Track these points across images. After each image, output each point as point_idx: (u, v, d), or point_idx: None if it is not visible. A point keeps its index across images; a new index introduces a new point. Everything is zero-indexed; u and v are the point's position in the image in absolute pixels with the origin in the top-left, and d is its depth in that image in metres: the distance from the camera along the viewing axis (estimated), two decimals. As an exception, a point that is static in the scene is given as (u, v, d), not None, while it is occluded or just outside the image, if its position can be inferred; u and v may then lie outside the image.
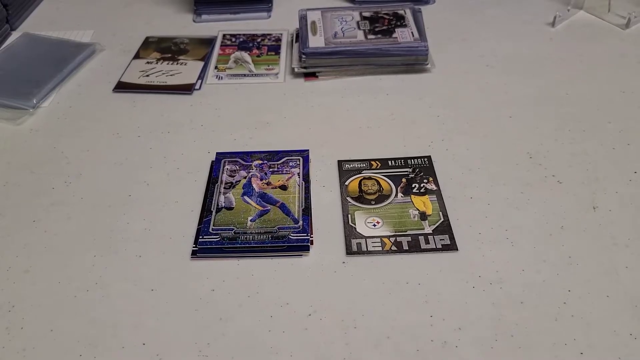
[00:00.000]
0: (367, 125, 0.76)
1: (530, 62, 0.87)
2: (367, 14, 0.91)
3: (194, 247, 0.60)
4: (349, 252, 0.59)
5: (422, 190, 0.66)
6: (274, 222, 0.62)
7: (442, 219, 0.62)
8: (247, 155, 0.70)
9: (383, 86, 0.83)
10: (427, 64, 0.85)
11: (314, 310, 0.54)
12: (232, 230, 0.61)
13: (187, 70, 0.87)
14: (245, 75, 0.86)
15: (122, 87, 0.84)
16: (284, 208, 0.63)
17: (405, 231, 0.61)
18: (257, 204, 0.64)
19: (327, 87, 0.83)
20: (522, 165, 0.69)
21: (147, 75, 0.86)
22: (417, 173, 0.68)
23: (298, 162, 0.69)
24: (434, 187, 0.66)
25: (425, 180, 0.67)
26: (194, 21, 1.00)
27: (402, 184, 0.67)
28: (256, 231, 0.61)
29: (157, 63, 0.89)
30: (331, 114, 0.78)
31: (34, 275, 0.59)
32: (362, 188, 0.66)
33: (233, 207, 0.64)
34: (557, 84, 0.82)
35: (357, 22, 0.89)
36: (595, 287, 0.55)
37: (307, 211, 0.63)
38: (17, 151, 0.74)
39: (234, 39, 0.94)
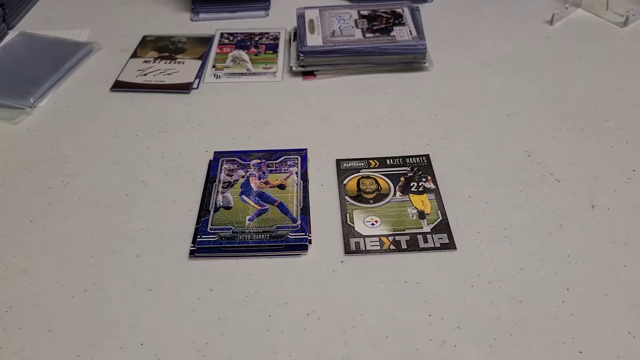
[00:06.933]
0: (365, 124, 0.76)
1: (528, 60, 0.86)
2: (365, 13, 0.91)
3: (192, 246, 0.60)
4: (348, 251, 0.59)
5: (420, 189, 0.66)
6: (272, 222, 0.62)
7: (441, 218, 0.62)
8: (245, 154, 0.70)
9: (381, 85, 0.83)
10: (425, 63, 0.85)
11: (313, 309, 0.54)
12: (230, 229, 0.61)
13: (184, 69, 0.87)
14: (243, 74, 0.86)
15: (119, 86, 0.84)
16: (282, 207, 0.63)
17: (404, 230, 0.61)
18: (255, 203, 0.64)
19: (325, 86, 0.83)
20: (520, 164, 0.69)
21: (145, 74, 0.86)
22: (415, 172, 0.68)
23: (296, 161, 0.69)
24: (432, 185, 0.66)
25: (423, 179, 0.67)
26: (191, 20, 0.99)
27: (400, 183, 0.66)
28: (254, 230, 0.61)
29: (154, 62, 0.88)
30: (329, 112, 0.78)
31: (31, 275, 0.59)
32: (361, 187, 0.66)
33: (231, 207, 0.64)
34: (555, 82, 0.82)
35: (355, 21, 0.89)
36: (594, 286, 0.55)
37: (305, 210, 0.63)
38: (15, 151, 0.74)
39: (231, 38, 0.94)
